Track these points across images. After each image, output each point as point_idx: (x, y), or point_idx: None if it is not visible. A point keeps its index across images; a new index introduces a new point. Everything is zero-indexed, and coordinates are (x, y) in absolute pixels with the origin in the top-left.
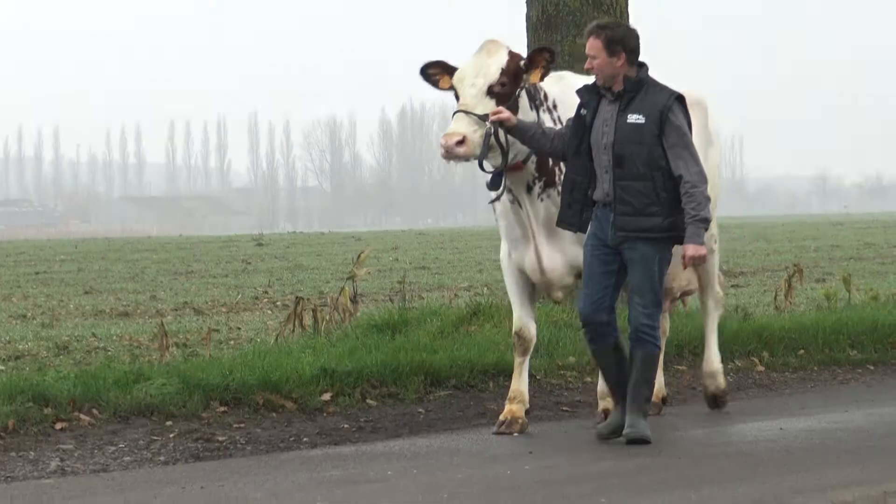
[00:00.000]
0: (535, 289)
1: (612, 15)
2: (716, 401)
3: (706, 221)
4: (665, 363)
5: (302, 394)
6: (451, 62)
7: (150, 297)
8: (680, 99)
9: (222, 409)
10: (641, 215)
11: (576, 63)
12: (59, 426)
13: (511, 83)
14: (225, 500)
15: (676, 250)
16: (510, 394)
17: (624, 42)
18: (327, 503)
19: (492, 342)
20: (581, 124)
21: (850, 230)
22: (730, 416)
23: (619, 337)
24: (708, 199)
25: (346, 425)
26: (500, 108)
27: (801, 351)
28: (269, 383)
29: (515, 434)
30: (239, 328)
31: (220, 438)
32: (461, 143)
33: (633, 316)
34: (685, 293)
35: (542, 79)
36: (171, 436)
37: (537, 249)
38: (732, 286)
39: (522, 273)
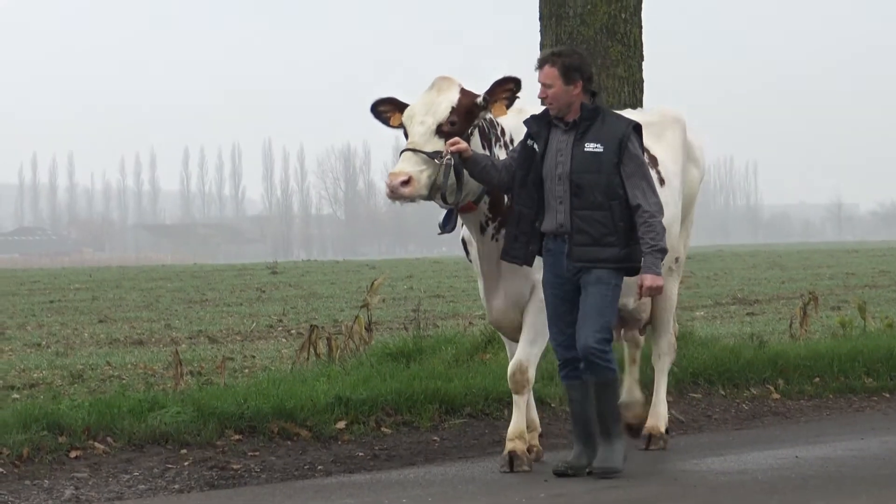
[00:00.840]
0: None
1: (626, 45)
2: (650, 440)
3: (664, 252)
4: (680, 391)
5: (317, 422)
6: (403, 99)
7: (164, 325)
8: (637, 128)
9: (237, 437)
10: (599, 245)
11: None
12: (73, 454)
13: (462, 121)
14: None
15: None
16: (509, 434)
17: (581, 70)
18: None
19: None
20: (529, 155)
21: (866, 258)
22: (746, 444)
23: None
24: (664, 229)
25: (360, 453)
26: (457, 138)
27: (817, 379)
28: (284, 411)
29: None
30: (253, 356)
31: (235, 467)
32: (406, 182)
33: (583, 339)
34: (646, 324)
35: (506, 111)
36: (186, 464)
37: (487, 290)
38: (747, 314)
39: None
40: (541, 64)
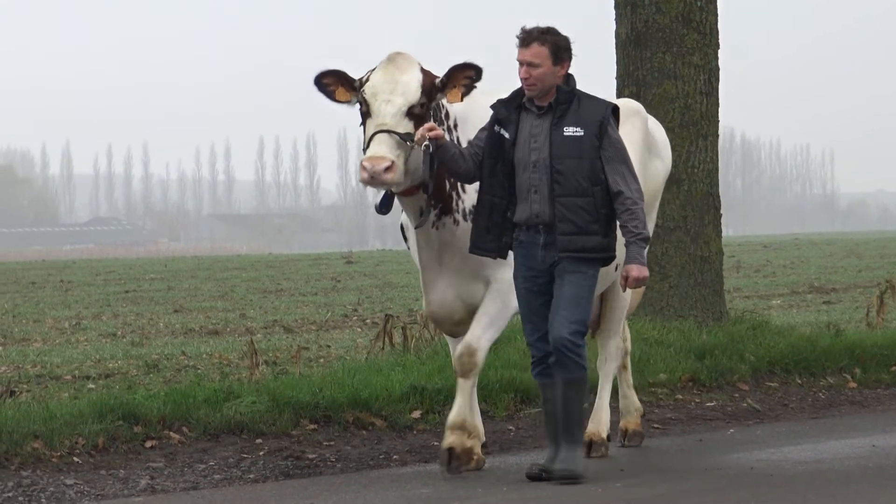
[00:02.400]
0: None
1: (702, 33)
2: (590, 447)
3: (648, 240)
4: (756, 380)
5: (392, 411)
6: (350, 73)
7: (239, 315)
8: (616, 111)
9: (312, 426)
10: (584, 234)
11: (665, 80)
12: (149, 444)
13: (427, 103)
14: None
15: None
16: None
17: (569, 50)
18: None
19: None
20: (497, 142)
21: None
22: (822, 433)
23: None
24: (646, 217)
25: (436, 443)
26: (433, 124)
27: (894, 367)
28: (359, 401)
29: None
30: (328, 346)
31: (310, 456)
32: (389, 168)
33: (556, 331)
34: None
35: (461, 99)
36: (261, 454)
37: (427, 281)
38: (824, 303)
39: None
40: (527, 42)
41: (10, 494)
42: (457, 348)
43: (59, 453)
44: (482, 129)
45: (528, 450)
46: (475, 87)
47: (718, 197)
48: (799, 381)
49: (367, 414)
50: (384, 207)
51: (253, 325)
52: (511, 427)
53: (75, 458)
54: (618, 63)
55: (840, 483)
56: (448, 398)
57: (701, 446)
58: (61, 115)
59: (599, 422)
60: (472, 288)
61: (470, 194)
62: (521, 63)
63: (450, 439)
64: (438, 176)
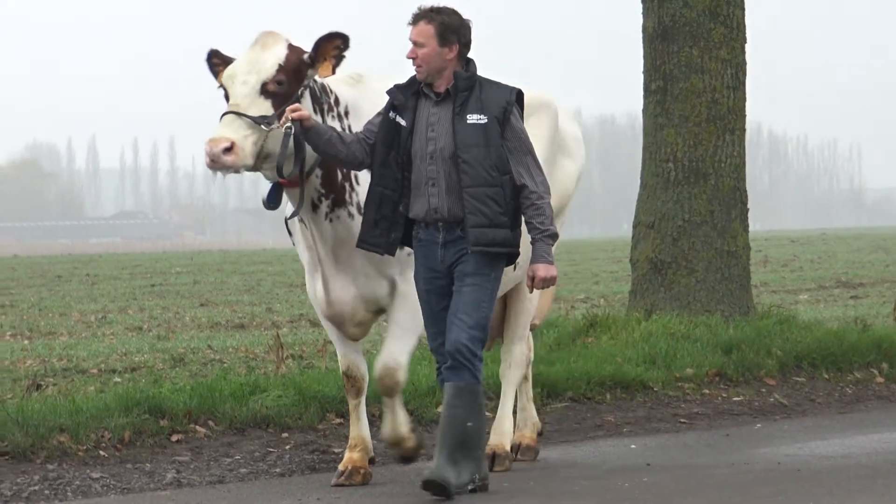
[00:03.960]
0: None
1: (729, 27)
2: (493, 460)
3: (555, 237)
4: (784, 375)
5: (417, 406)
6: (231, 54)
7: (265, 309)
8: (520, 96)
9: (338, 420)
10: (494, 226)
11: (692, 74)
12: (174, 438)
13: (290, 81)
14: None
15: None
16: (350, 441)
17: (459, 32)
18: None
19: (609, 354)
20: (391, 130)
21: None
22: (849, 427)
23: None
24: (552, 211)
25: None
26: (298, 105)
27: None
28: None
29: (356, 485)
30: None
31: (336, 450)
32: (229, 150)
33: (453, 337)
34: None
35: (333, 71)
36: (287, 447)
37: (325, 278)
38: (851, 297)
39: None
40: (415, 20)
41: (37, 488)
42: (375, 369)
43: (85, 447)
44: (377, 115)
45: (555, 444)
46: (344, 56)
47: (745, 191)
48: (826, 376)
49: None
50: (272, 203)
51: (279, 319)
52: None
53: (101, 452)
54: (644, 57)
55: (867, 478)
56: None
57: (728, 441)
58: (87, 109)
59: (502, 433)
60: (376, 287)
61: (364, 186)
62: (410, 42)
63: (347, 457)
64: (328, 163)
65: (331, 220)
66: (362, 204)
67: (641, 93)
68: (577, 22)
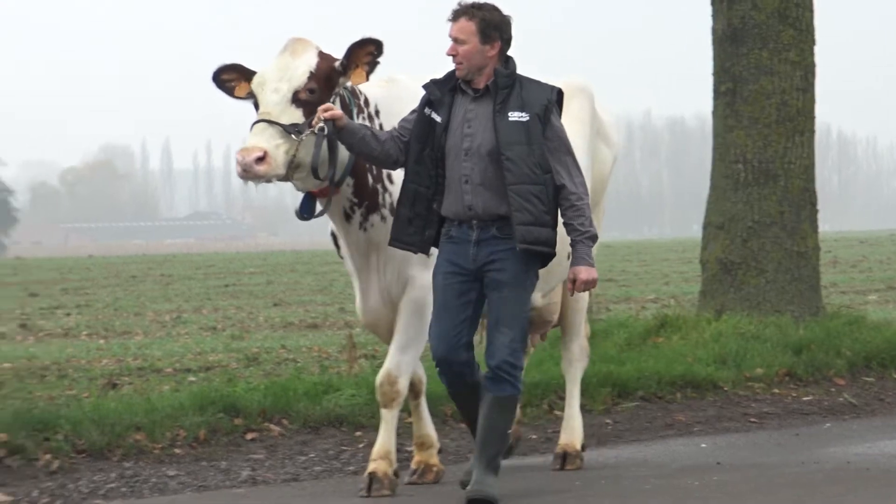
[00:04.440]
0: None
1: (798, 29)
2: (565, 459)
3: (595, 239)
4: (853, 375)
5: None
6: (249, 65)
7: (338, 308)
8: (560, 95)
9: (410, 420)
10: (539, 224)
11: (762, 76)
12: (249, 436)
13: (322, 89)
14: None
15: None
16: (415, 440)
17: (501, 29)
18: None
19: (679, 354)
20: (427, 126)
21: None
22: None
23: (479, 375)
24: (591, 213)
25: (534, 436)
26: (329, 104)
27: None
28: None
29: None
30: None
31: (409, 448)
32: (261, 159)
33: (494, 351)
34: (555, 327)
35: (367, 78)
36: (361, 446)
37: (361, 286)
38: None
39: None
40: (456, 16)
41: (114, 485)
42: (378, 378)
43: (160, 445)
44: (412, 112)
45: (626, 443)
46: (378, 62)
47: (815, 192)
48: (895, 376)
49: None
50: (305, 213)
51: (352, 319)
52: (608, 420)
53: (176, 450)
54: (714, 59)
55: None
56: (545, 391)
57: (797, 440)
58: (161, 110)
59: (572, 430)
60: (396, 289)
61: (397, 185)
62: (451, 39)
63: (371, 466)
64: (359, 170)
65: (365, 230)
66: (395, 203)
67: (711, 94)
68: (648, 23)
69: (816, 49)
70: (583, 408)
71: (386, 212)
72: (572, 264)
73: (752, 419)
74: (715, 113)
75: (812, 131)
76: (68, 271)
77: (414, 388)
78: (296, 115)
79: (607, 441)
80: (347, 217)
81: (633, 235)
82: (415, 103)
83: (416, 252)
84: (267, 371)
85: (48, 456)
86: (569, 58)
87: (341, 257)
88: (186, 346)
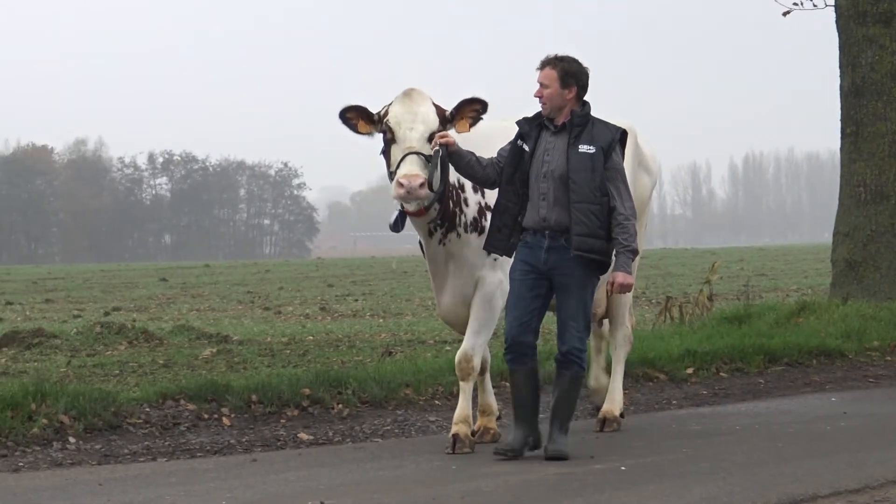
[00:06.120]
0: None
1: None
2: (604, 423)
3: (635, 253)
4: None
5: (671, 368)
6: (370, 108)
7: None
8: (623, 136)
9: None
10: (593, 237)
11: (878, 121)
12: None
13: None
14: (612, 445)
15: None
16: (480, 407)
17: (577, 77)
18: (690, 450)
19: (815, 330)
20: (517, 154)
21: None
22: None
23: (537, 362)
24: (636, 232)
25: (704, 392)
26: (445, 131)
27: None
28: (647, 360)
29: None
30: None
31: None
32: (423, 185)
33: (567, 339)
34: (603, 317)
35: (469, 129)
36: None
37: (439, 288)
38: None
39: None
40: (542, 65)
41: (389, 428)
42: (456, 356)
43: (424, 397)
44: (508, 143)
45: (774, 397)
46: (481, 118)
47: None
48: None
49: (653, 370)
50: (397, 227)
51: None
52: (761, 381)
53: (436, 402)
54: (841, 108)
55: None
56: (713, 359)
57: None
58: None
59: (613, 401)
60: (468, 289)
61: (472, 207)
62: (538, 83)
63: (454, 429)
64: (444, 199)
65: (444, 245)
66: (468, 223)
67: (839, 135)
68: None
69: None
70: (741, 371)
71: (462, 230)
72: (613, 270)
73: (871, 379)
74: (842, 149)
75: None
76: (356, 268)
77: (482, 366)
78: (428, 151)
79: (760, 396)
80: (430, 233)
81: (780, 241)
82: (487, 140)
83: (501, 255)
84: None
85: (340, 406)
86: (724, 105)
87: (426, 260)
88: (442, 324)
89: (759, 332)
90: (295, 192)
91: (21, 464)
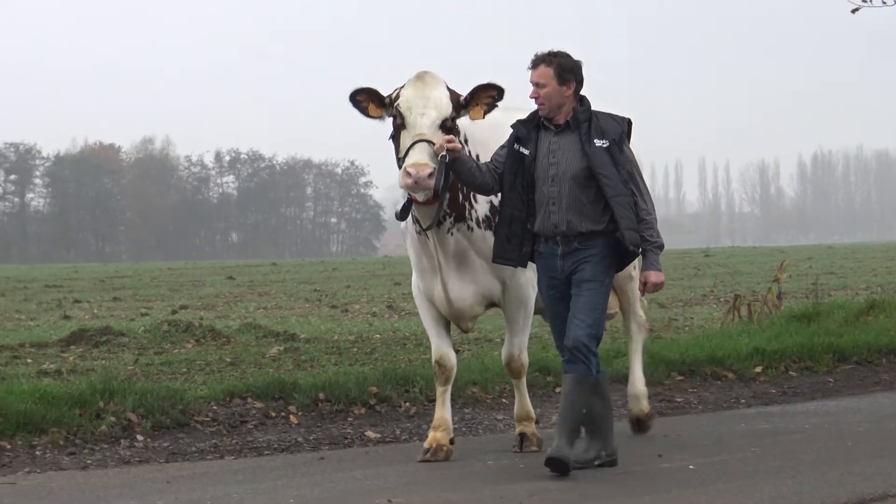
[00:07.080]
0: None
1: None
2: (639, 424)
3: (662, 248)
4: None
5: (740, 367)
6: (381, 90)
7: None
8: (630, 124)
9: (679, 378)
10: (634, 230)
11: None
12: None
13: (454, 119)
14: (680, 444)
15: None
16: (434, 422)
17: (574, 72)
18: (759, 449)
19: (884, 329)
20: (517, 159)
21: None
22: None
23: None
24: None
25: (773, 390)
26: (453, 136)
27: None
28: (715, 359)
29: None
30: (692, 318)
31: (678, 400)
32: (431, 175)
33: (573, 334)
34: (609, 316)
35: (483, 116)
36: None
37: (444, 281)
38: None
39: (433, 303)
40: (535, 64)
41: (456, 426)
42: (503, 357)
43: (491, 396)
44: (501, 147)
45: (843, 396)
46: (497, 105)
47: None
48: None
49: (721, 368)
50: (403, 215)
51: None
52: (830, 379)
53: (503, 400)
54: None
55: None
56: (782, 357)
57: None
58: None
59: (637, 397)
60: (491, 286)
61: (482, 204)
62: (532, 84)
63: (520, 427)
64: (453, 189)
65: (452, 234)
66: (480, 219)
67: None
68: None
69: None
70: (810, 369)
71: (472, 223)
72: (643, 269)
73: None
74: None
75: None
76: None
77: (446, 374)
78: (439, 138)
79: (829, 395)
80: (440, 223)
81: (849, 239)
82: (493, 132)
83: (515, 266)
84: None
85: (407, 404)
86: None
87: (407, 248)
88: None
89: (828, 330)
90: (362, 190)
91: (89, 461)
